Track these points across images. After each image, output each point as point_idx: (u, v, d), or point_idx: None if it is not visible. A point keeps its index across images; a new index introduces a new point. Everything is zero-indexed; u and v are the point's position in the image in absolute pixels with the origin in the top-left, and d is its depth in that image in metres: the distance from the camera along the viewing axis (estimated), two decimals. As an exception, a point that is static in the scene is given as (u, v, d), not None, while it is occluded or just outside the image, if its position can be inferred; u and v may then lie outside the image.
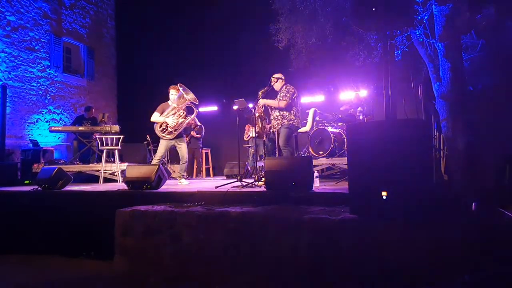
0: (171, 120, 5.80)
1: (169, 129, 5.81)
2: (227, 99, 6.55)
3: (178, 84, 5.81)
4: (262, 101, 5.54)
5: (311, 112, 6.99)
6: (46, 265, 4.14)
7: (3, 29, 9.20)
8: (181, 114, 5.87)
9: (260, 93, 5.41)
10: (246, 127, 8.54)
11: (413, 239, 2.52)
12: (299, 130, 6.01)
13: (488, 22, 4.46)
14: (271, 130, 5.63)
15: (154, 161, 5.87)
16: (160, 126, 5.87)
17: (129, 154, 8.54)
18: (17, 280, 3.67)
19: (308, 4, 6.40)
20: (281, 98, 5.43)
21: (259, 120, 5.83)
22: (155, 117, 5.90)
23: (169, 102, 5.95)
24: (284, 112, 5.42)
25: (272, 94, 5.66)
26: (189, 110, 6.03)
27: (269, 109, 5.71)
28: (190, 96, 5.78)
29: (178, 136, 5.91)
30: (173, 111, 5.85)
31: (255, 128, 5.72)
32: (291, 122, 5.42)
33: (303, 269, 2.83)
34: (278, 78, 5.55)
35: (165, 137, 5.84)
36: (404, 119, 4.54)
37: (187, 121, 5.91)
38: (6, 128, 8.65)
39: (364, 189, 2.78)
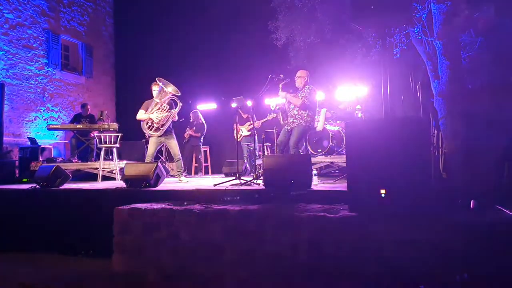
0: (155, 116, 5.74)
1: (155, 126, 5.76)
2: (226, 97, 6.53)
3: (156, 79, 5.76)
4: (282, 93, 5.48)
5: (322, 112, 6.96)
6: (45, 264, 4.14)
7: (1, 27, 9.15)
8: (164, 108, 5.80)
9: (280, 85, 5.40)
10: (234, 127, 8.48)
11: (412, 237, 2.52)
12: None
13: (487, 20, 4.45)
14: (286, 127, 5.55)
15: (147, 160, 5.83)
16: (146, 123, 5.81)
17: (128, 152, 8.52)
18: (17, 278, 3.66)
19: (306, 2, 6.39)
20: (301, 97, 5.36)
21: (280, 113, 5.76)
22: (140, 114, 5.84)
23: (153, 98, 5.91)
24: (303, 112, 5.36)
25: (289, 88, 5.63)
26: (173, 104, 5.95)
27: (287, 106, 5.63)
28: (170, 89, 5.75)
29: (167, 133, 5.83)
30: (156, 107, 5.80)
31: (253, 125, 5.71)
32: (307, 123, 5.37)
33: (302, 267, 2.83)
34: (299, 77, 5.48)
35: (153, 134, 5.79)
36: (402, 117, 4.55)
37: (172, 115, 5.81)
38: (4, 126, 8.61)
39: (363, 187, 2.79)
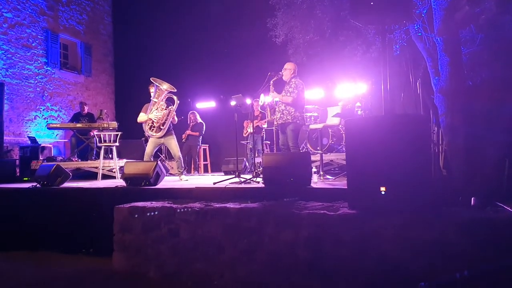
0: (153, 115, 5.76)
1: (155, 125, 5.77)
2: (225, 95, 6.52)
3: (151, 79, 5.78)
4: (273, 94, 5.31)
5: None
6: (45, 262, 4.14)
7: (0, 26, 9.14)
8: (162, 106, 5.82)
9: (271, 82, 5.25)
10: (245, 123, 8.53)
11: (412, 234, 2.52)
12: (312, 127, 5.89)
13: (487, 16, 4.43)
14: (275, 123, 5.46)
15: (145, 158, 5.82)
16: (148, 124, 5.83)
17: (127, 150, 8.52)
18: (18, 277, 3.66)
19: (306, -1, 6.37)
20: (288, 94, 5.21)
21: (268, 109, 5.71)
22: (140, 117, 5.86)
23: (151, 99, 5.92)
24: (290, 108, 5.19)
25: (280, 83, 5.48)
26: (171, 101, 5.94)
27: (275, 102, 5.55)
28: (165, 86, 5.77)
29: (167, 134, 5.84)
30: (155, 107, 5.81)
31: (253, 123, 5.70)
32: (296, 119, 5.20)
33: (301, 265, 2.82)
34: (287, 69, 5.33)
35: (154, 135, 5.79)
36: (402, 114, 4.53)
37: (172, 113, 5.82)
38: (4, 125, 8.63)
39: (363, 185, 2.78)
